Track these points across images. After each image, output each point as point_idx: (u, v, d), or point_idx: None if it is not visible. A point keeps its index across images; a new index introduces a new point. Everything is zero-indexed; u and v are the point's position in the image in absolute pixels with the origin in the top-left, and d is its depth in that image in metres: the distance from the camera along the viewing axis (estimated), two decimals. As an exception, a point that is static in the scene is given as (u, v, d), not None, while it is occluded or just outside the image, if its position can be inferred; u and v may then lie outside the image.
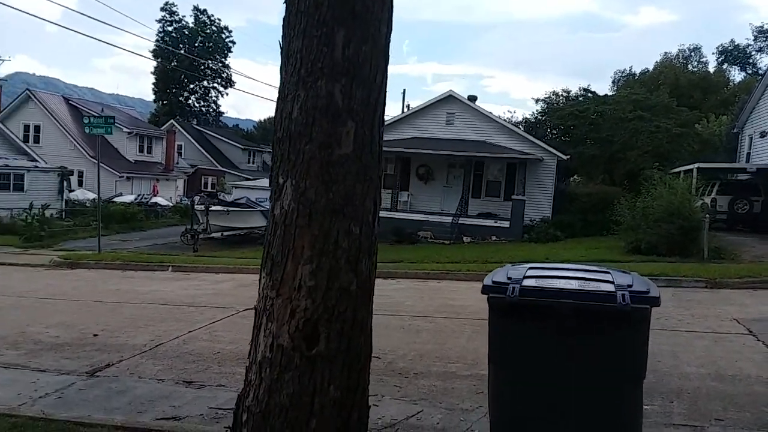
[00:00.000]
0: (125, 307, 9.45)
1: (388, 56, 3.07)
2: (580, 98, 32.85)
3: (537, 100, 36.01)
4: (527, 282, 2.90)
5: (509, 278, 2.92)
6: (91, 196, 28.91)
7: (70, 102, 42.11)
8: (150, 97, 61.51)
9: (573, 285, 2.83)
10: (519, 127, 29.21)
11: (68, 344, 7.03)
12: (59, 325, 8.02)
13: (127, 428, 4.34)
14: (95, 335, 7.45)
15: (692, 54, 51.55)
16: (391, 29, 3.06)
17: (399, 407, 4.77)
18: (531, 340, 2.81)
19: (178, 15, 57.73)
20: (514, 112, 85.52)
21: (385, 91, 3.07)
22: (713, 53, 60.76)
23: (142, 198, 35.03)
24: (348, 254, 2.91)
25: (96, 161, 33.43)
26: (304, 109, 2.86)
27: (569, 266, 3.19)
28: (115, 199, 33.25)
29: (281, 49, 3.00)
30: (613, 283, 2.82)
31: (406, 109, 29.82)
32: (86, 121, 16.77)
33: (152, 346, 6.92)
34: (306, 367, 2.86)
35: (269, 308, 2.93)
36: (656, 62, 49.57)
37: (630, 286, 2.77)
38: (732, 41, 48.62)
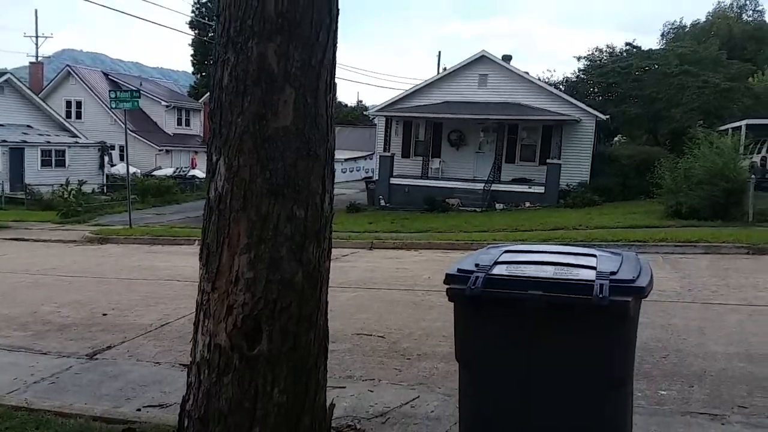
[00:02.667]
0: (142, 284, 9.43)
1: (337, 10, 2.66)
2: (624, 54, 31.19)
3: (579, 58, 34.36)
4: (497, 269, 2.50)
5: (476, 265, 2.54)
6: (132, 170, 29.45)
7: (109, 77, 42.68)
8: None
9: (547, 272, 2.42)
10: (559, 88, 28.01)
11: (75, 324, 6.99)
12: (72, 304, 8.02)
13: (105, 419, 4.20)
14: (104, 314, 7.40)
15: (747, 2, 48.30)
16: (339, -24, 2.64)
17: (395, 393, 4.50)
18: (496, 337, 2.43)
19: (211, -15, 57.46)
20: (554, 71, 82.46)
21: (333, 52, 2.66)
22: (770, 0, 56.95)
23: (180, 171, 35.48)
24: (291, 241, 2.57)
25: (135, 135, 34.18)
26: (233, 76, 2.49)
27: (550, 248, 2.77)
28: (155, 173, 33.82)
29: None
30: (595, 269, 2.40)
31: (442, 71, 28.90)
32: (112, 96, 16.74)
33: (158, 325, 6.82)
34: (246, 369, 2.56)
35: (205, 304, 2.63)
36: (708, 13, 46.77)
37: (614, 273, 2.34)
38: (790, -14, 45.26)
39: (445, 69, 27.44)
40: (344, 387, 4.39)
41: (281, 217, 2.54)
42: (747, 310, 6.35)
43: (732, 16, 45.29)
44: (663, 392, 4.24)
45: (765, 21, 44.61)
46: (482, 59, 24.25)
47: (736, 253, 9.78)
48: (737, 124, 19.47)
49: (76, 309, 7.71)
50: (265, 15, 2.45)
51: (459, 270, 2.55)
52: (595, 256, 2.58)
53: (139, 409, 4.38)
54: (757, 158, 19.16)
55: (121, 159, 36.59)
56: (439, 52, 55.66)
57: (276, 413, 2.58)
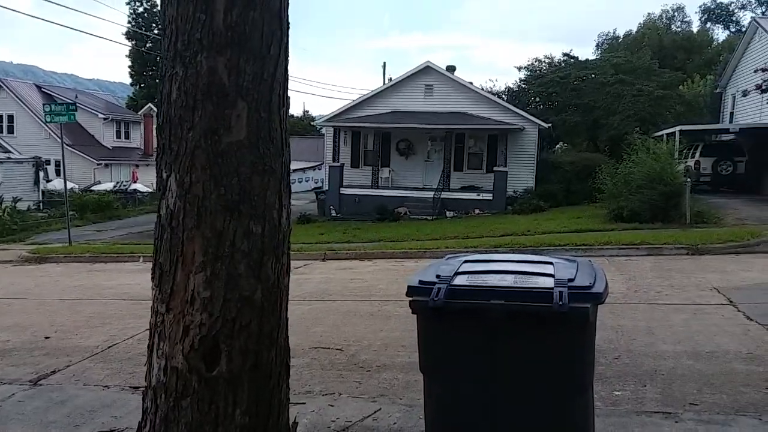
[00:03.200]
0: (85, 304, 9.05)
1: (287, 23, 2.62)
2: (562, 64, 32.22)
3: (519, 68, 35.30)
4: (457, 280, 2.51)
5: (438, 276, 2.53)
6: (70, 185, 28.32)
7: (42, 89, 41.05)
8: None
9: (508, 281, 2.44)
10: (501, 97, 28.64)
11: (16, 349, 6.63)
12: (11, 328, 7.61)
13: (52, 448, 4.01)
14: (47, 337, 7.06)
15: (675, 14, 50.92)
16: (290, -11, 2.61)
17: (356, 406, 4.44)
18: (460, 348, 2.43)
19: (147, -5, 56.10)
20: (496, 80, 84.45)
21: (285, 65, 2.62)
22: (696, 12, 60.21)
23: (121, 185, 34.36)
24: (249, 258, 2.50)
25: (72, 149, 32.90)
26: (183, 90, 2.42)
27: (509, 257, 2.80)
28: (94, 188, 32.63)
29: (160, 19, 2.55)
30: (553, 276, 2.44)
31: (388, 82, 29.13)
32: (47, 110, 16.05)
33: (105, 347, 6.54)
34: (205, 391, 2.47)
35: (160, 325, 2.53)
36: (639, 24, 48.97)
37: (572, 279, 2.38)
38: (714, -1, 47.90)
39: (390, 80, 27.67)
40: (304, 403, 4.32)
41: (237, 233, 2.48)
42: (691, 308, 6.61)
43: (662, 27, 47.51)
44: (617, 393, 4.34)
45: (692, 31, 47.05)
46: (427, 70, 24.59)
47: (676, 254, 10.19)
48: (671, 130, 20.34)
49: (16, 333, 7.32)
50: (213, 28, 2.39)
51: (420, 282, 2.54)
52: (552, 263, 2.62)
53: None
54: (691, 162, 20.06)
55: (58, 174, 35.13)
56: (384, 63, 56.34)
57: (238, 436, 2.50)
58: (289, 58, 2.70)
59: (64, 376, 5.63)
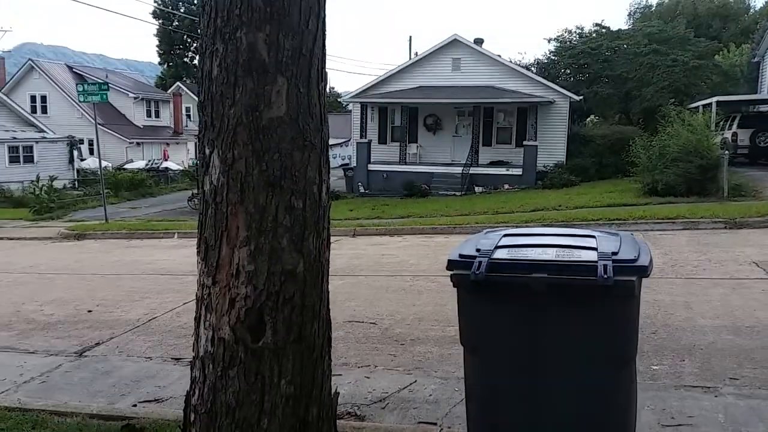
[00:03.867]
0: (124, 279, 9.29)
1: (325, -4, 2.61)
2: (593, 35, 31.40)
3: (549, 40, 34.46)
4: (498, 254, 2.51)
5: (478, 250, 2.54)
6: (104, 164, 28.84)
7: (74, 70, 41.66)
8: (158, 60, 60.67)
9: (550, 255, 2.43)
10: (530, 69, 28.11)
11: (61, 322, 6.87)
12: (55, 302, 7.87)
13: (102, 416, 4.17)
14: (89, 311, 7.29)
15: (711, -20, 48.96)
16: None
17: (392, 378, 4.52)
18: (503, 322, 2.44)
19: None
20: (525, 53, 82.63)
21: (323, 40, 2.62)
22: (734, -22, 57.74)
23: (152, 163, 34.92)
24: (291, 232, 2.53)
25: (104, 129, 33.44)
26: (223, 66, 2.43)
27: (549, 231, 2.79)
28: (126, 166, 33.24)
29: None
30: (596, 249, 2.42)
31: (414, 56, 28.82)
32: (80, 89, 16.33)
33: (145, 320, 6.74)
34: (252, 361, 2.53)
35: (207, 298, 2.59)
36: (673, -9, 47.24)
37: (615, 253, 2.36)
38: (753, -37, 45.95)
39: (416, 54, 27.38)
40: (341, 375, 4.39)
41: (280, 208, 2.51)
42: (730, 283, 6.50)
43: (697, -6, 45.87)
44: (655, 367, 4.32)
45: (730, -1, 45.29)
46: (454, 43, 24.23)
47: (713, 228, 9.99)
48: (707, 101, 19.77)
49: (59, 306, 7.57)
50: (252, 4, 2.40)
51: (461, 255, 2.55)
52: (594, 237, 2.60)
53: (135, 405, 4.35)
54: (728, 134, 19.52)
55: (91, 153, 35.82)
56: (410, 37, 55.83)
57: (284, 404, 2.56)
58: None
59: (107, 348, 5.83)
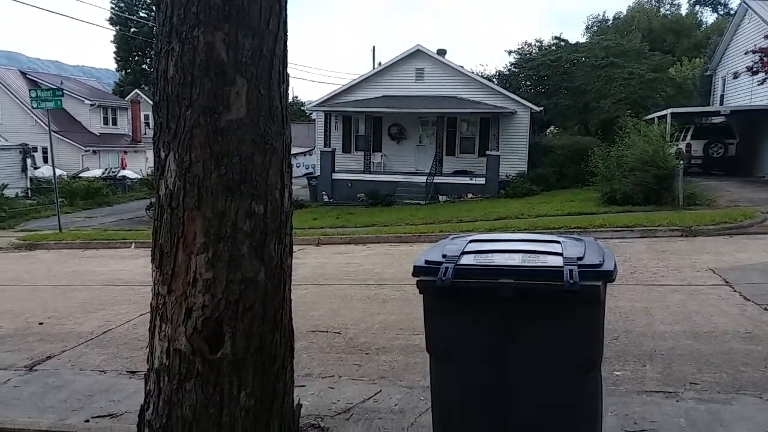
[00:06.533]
0: (78, 290, 8.97)
1: (286, -3, 2.55)
2: (553, 47, 32.09)
3: (510, 52, 35.06)
4: (464, 259, 2.46)
5: (444, 256, 2.49)
6: (58, 172, 27.92)
7: (27, 76, 40.39)
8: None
9: (516, 260, 2.40)
10: (492, 81, 28.51)
11: (10, 336, 6.57)
12: (4, 315, 7.53)
13: (52, 432, 3.97)
14: (41, 323, 7.00)
15: (665, -4, 50.72)
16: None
17: (356, 389, 4.43)
18: (469, 328, 2.39)
19: (131, -22, 55.17)
20: (487, 65, 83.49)
21: (285, 41, 2.55)
22: (685, -6, 60.02)
23: (109, 171, 34.02)
24: (251, 239, 2.45)
25: (59, 136, 32.45)
26: (180, 66, 2.34)
27: (515, 236, 2.77)
28: (82, 174, 32.27)
29: None
30: (562, 255, 2.40)
31: (377, 66, 28.90)
32: (33, 96, 15.79)
33: (100, 332, 6.49)
34: (209, 373, 2.42)
35: (162, 308, 2.47)
36: (629, 6, 48.78)
37: (581, 258, 2.35)
38: (703, -19, 47.85)
39: (380, 64, 27.47)
40: (304, 386, 4.29)
41: (239, 213, 2.42)
42: (688, 289, 6.62)
43: (651, 9, 47.40)
44: (618, 372, 4.34)
45: (681, 14, 46.98)
46: (418, 53, 24.42)
47: (670, 236, 10.22)
48: (662, 113, 20.35)
49: (9, 319, 7.24)
50: (210, 2, 2.32)
51: (427, 261, 2.50)
52: (559, 242, 2.59)
53: (87, 421, 4.16)
54: (682, 145, 20.12)
55: (45, 161, 34.63)
56: (374, 47, 56.36)
57: (244, 417, 2.46)
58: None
59: (59, 362, 5.59)
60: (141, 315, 7.07)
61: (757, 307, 5.75)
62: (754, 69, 18.52)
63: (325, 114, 24.67)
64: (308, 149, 38.96)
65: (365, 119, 24.53)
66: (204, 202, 2.38)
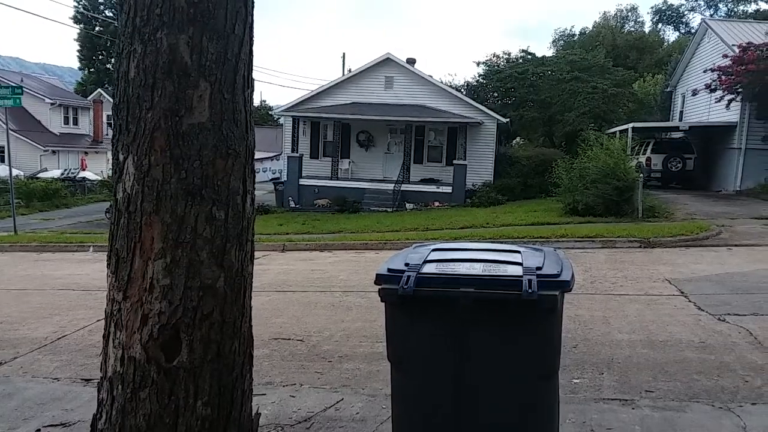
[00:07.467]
0: (32, 294, 8.69)
1: (252, 1, 2.53)
2: (520, 60, 32.67)
3: (478, 63, 35.65)
4: (427, 268, 2.48)
5: (406, 264, 2.50)
6: (15, 172, 27.04)
7: (-16, 73, 39.18)
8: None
9: (477, 270, 2.43)
10: (461, 91, 28.83)
11: (-41, 342, 6.32)
12: (-48, 320, 7.24)
13: (0, 443, 3.83)
14: (-9, 329, 6.75)
15: (629, 14, 52.19)
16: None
17: (318, 397, 4.39)
18: (430, 337, 2.40)
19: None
20: (455, 75, 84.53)
21: (250, 46, 2.53)
22: (648, 13, 61.87)
23: (69, 173, 33.16)
24: (211, 245, 2.41)
25: (17, 135, 31.52)
26: (141, 68, 2.30)
27: (477, 246, 2.79)
28: (40, 175, 31.39)
29: None
30: (521, 265, 2.44)
31: (347, 73, 28.93)
32: (-10, 93, 15.32)
33: (54, 339, 6.30)
34: (165, 382, 2.37)
35: (117, 314, 2.41)
36: (595, 22, 50.06)
37: (540, 268, 2.39)
38: (665, 1, 49.34)
39: (350, 70, 27.50)
40: (264, 394, 4.24)
41: (199, 219, 2.38)
42: (645, 299, 6.79)
43: (616, 26, 48.69)
44: (576, 380, 4.42)
45: (644, 32, 48.37)
46: (387, 61, 24.53)
47: (629, 247, 10.47)
48: (624, 127, 20.89)
49: (-42, 325, 6.97)
50: (174, 4, 2.28)
51: (389, 270, 2.50)
52: (519, 252, 2.62)
53: (38, 430, 4.03)
54: (643, 159, 20.65)
55: (2, 161, 33.59)
56: (344, 54, 56.19)
57: (200, 427, 2.41)
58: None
59: (11, 369, 5.41)
60: (97, 321, 6.88)
61: (710, 317, 5.92)
62: (713, 87, 19.15)
63: (294, 119, 24.57)
64: (275, 154, 38.73)
65: (334, 125, 24.50)
66: (163, 207, 2.33)
